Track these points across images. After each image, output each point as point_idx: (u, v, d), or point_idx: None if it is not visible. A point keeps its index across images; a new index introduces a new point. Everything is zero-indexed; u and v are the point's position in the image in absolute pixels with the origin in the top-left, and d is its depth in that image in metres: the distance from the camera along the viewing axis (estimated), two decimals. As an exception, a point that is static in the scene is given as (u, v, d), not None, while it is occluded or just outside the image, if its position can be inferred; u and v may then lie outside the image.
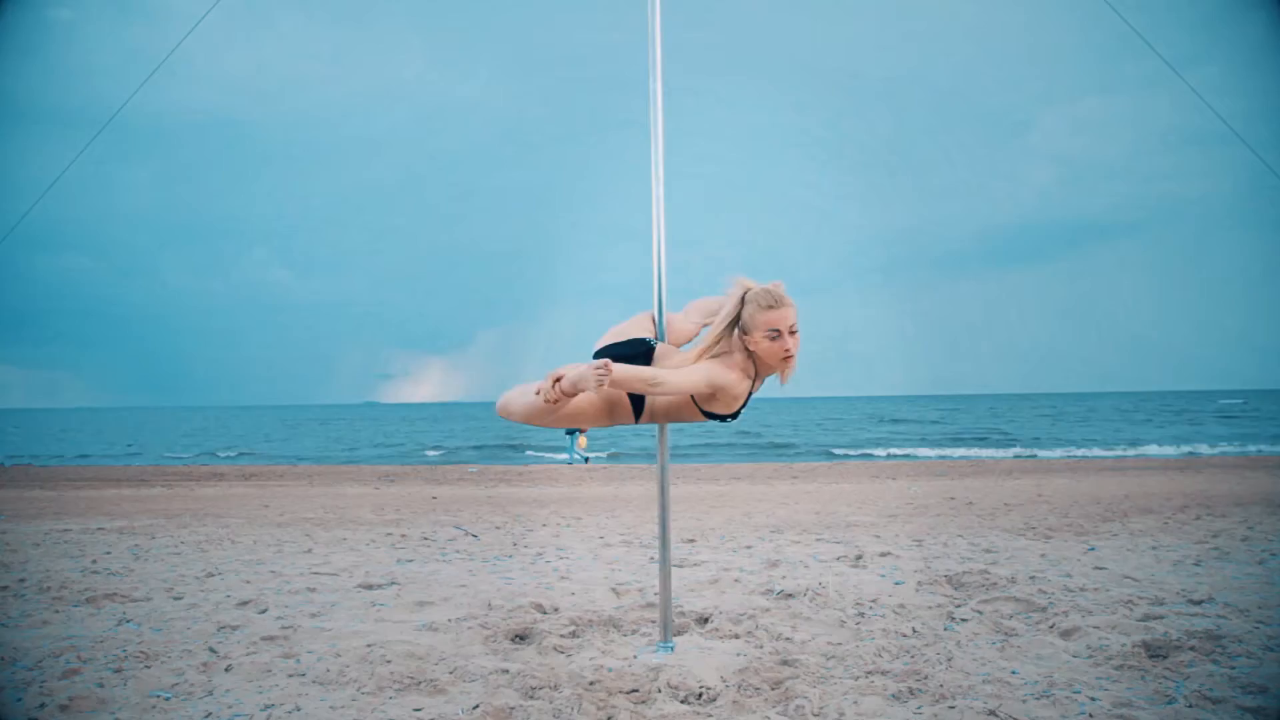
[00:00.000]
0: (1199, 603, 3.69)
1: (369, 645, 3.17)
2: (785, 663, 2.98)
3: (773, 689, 2.74)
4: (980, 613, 3.64)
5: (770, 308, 2.77)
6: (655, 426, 3.13)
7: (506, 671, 2.89)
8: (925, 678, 2.77)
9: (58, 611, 3.87)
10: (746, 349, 2.84)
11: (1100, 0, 3.61)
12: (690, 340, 3.13)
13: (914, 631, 3.37)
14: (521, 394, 2.87)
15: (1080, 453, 23.00)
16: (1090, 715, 2.46)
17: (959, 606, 3.75)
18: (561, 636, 3.36)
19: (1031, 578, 4.27)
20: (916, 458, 22.75)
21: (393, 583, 4.49)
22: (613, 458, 23.01)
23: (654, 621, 3.55)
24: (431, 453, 28.80)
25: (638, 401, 2.92)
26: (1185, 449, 22.93)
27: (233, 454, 28.33)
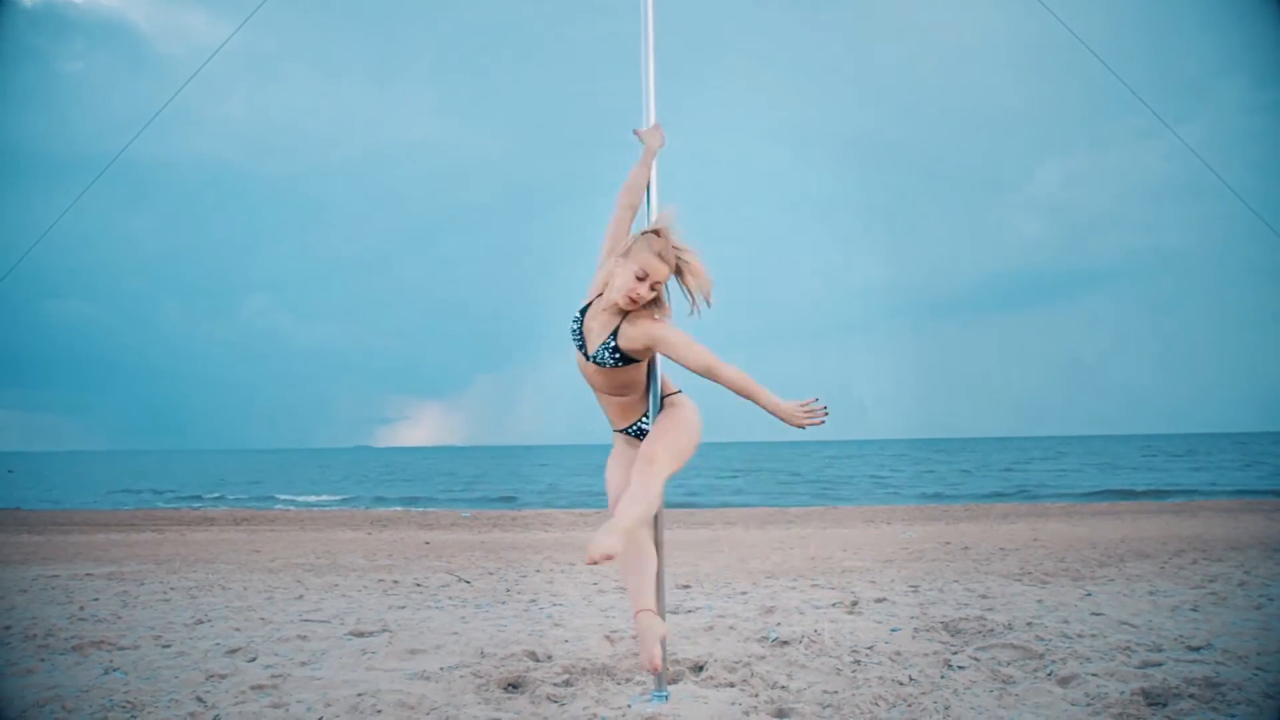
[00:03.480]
0: (1197, 649, 3.67)
1: (360, 695, 3.13)
2: (781, 712, 2.95)
3: (768, 739, 2.71)
4: (977, 660, 3.61)
5: (658, 255, 2.72)
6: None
7: (499, 721, 2.85)
8: (922, 727, 2.74)
9: (43, 660, 3.81)
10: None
11: (1093, 59, 3.73)
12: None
13: (910, 679, 3.34)
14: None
15: (1074, 494, 22.88)
16: (1089, 765, 2.43)
17: (956, 654, 3.72)
18: (554, 685, 3.33)
19: (1028, 624, 4.24)
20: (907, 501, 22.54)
21: (384, 630, 4.45)
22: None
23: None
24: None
25: None
26: (1181, 491, 22.85)
27: (215, 497, 27.86)
